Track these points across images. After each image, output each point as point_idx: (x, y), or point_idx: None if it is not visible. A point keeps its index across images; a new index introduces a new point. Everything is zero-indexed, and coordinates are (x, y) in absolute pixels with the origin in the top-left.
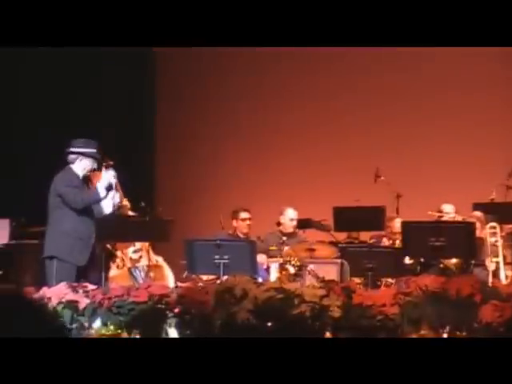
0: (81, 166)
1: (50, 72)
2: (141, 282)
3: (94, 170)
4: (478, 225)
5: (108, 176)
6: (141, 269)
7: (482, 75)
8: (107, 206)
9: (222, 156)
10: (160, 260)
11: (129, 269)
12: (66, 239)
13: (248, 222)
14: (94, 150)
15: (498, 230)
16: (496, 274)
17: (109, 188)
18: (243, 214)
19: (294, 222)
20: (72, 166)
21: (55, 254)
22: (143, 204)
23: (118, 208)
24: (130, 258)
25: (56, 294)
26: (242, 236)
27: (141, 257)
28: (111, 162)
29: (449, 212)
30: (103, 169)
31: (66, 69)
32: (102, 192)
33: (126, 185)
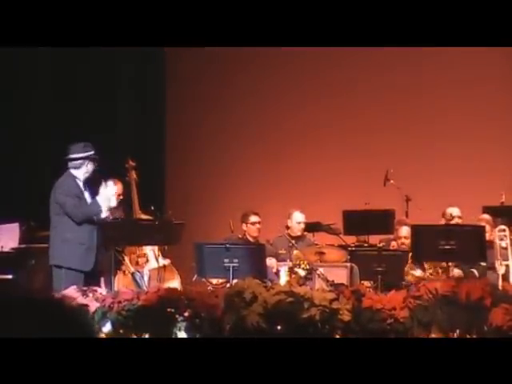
0: (85, 170)
1: (61, 72)
2: (143, 287)
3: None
4: (487, 228)
5: (107, 192)
6: (144, 273)
7: (494, 77)
8: (102, 200)
9: (231, 157)
10: (167, 263)
11: (132, 274)
12: (68, 247)
13: (258, 225)
14: (93, 152)
15: (507, 233)
16: (506, 277)
17: (107, 202)
18: (253, 218)
19: (302, 225)
20: (73, 171)
21: (60, 263)
22: (153, 208)
23: (113, 211)
24: (136, 262)
25: (66, 298)
26: (251, 239)
27: (147, 261)
28: (133, 164)
29: (455, 215)
30: (102, 184)
31: (76, 69)
32: (102, 206)
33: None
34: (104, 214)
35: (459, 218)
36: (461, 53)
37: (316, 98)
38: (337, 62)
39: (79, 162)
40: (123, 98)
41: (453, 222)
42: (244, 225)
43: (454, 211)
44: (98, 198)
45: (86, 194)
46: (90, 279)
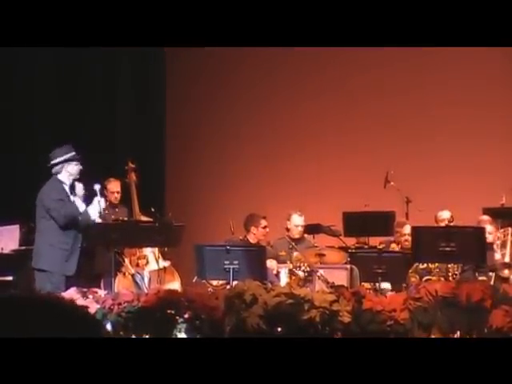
0: (67, 173)
1: (61, 72)
2: (144, 288)
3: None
4: (491, 229)
5: (79, 189)
6: (144, 275)
7: (495, 78)
8: (94, 212)
9: (231, 158)
10: (167, 265)
11: (132, 276)
12: (51, 251)
13: (267, 229)
14: (73, 153)
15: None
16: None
17: (85, 200)
18: (264, 222)
19: (300, 228)
20: (58, 175)
21: (43, 267)
22: (153, 209)
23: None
24: (137, 264)
25: (66, 298)
26: (253, 242)
27: (147, 263)
28: (133, 166)
29: (445, 218)
30: (97, 197)
31: (76, 69)
32: (80, 206)
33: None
34: (93, 212)
35: (450, 221)
36: (461, 53)
37: (318, 99)
38: (336, 61)
39: (59, 166)
40: (123, 98)
41: (442, 224)
42: (254, 228)
43: (444, 214)
44: (90, 209)
45: (73, 197)
46: (72, 282)
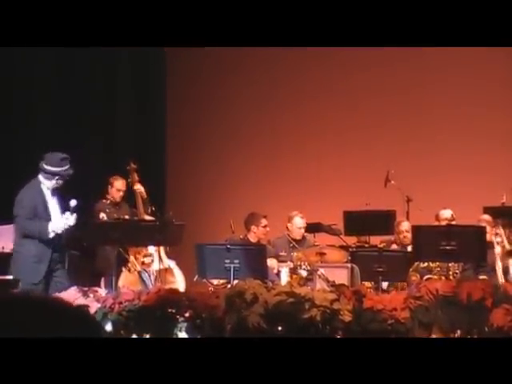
0: (54, 183)
1: (61, 72)
2: (150, 286)
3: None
4: (489, 229)
5: (61, 223)
6: (151, 273)
7: (497, 78)
8: (56, 227)
9: (231, 157)
10: (172, 264)
11: (139, 273)
12: (17, 259)
13: (268, 228)
14: (67, 167)
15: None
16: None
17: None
18: (264, 221)
19: (302, 230)
20: (42, 179)
21: (13, 276)
22: (153, 208)
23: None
24: (142, 262)
25: (66, 299)
26: (253, 241)
27: (152, 261)
28: (135, 166)
29: (446, 218)
30: (65, 214)
31: (76, 69)
32: (50, 233)
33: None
34: (52, 235)
35: (451, 220)
36: (461, 52)
37: (319, 99)
38: (335, 60)
39: (50, 175)
40: (123, 98)
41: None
42: (254, 227)
43: (445, 213)
44: (51, 225)
45: (51, 204)
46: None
